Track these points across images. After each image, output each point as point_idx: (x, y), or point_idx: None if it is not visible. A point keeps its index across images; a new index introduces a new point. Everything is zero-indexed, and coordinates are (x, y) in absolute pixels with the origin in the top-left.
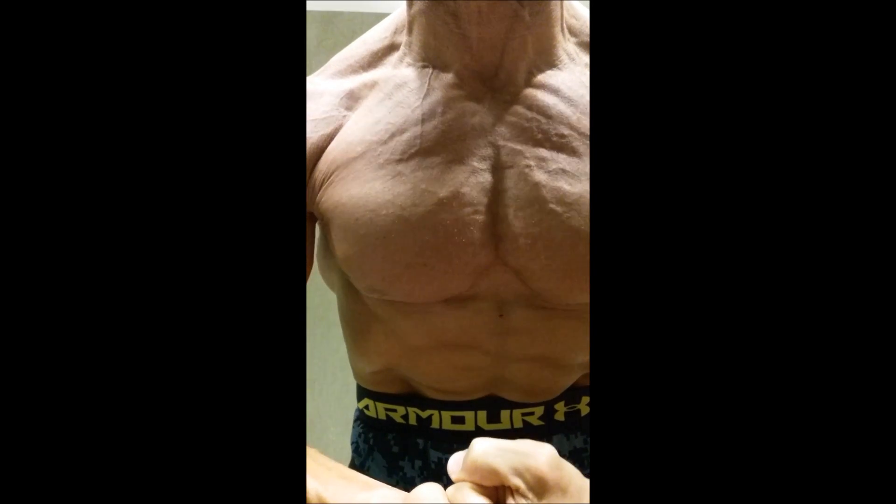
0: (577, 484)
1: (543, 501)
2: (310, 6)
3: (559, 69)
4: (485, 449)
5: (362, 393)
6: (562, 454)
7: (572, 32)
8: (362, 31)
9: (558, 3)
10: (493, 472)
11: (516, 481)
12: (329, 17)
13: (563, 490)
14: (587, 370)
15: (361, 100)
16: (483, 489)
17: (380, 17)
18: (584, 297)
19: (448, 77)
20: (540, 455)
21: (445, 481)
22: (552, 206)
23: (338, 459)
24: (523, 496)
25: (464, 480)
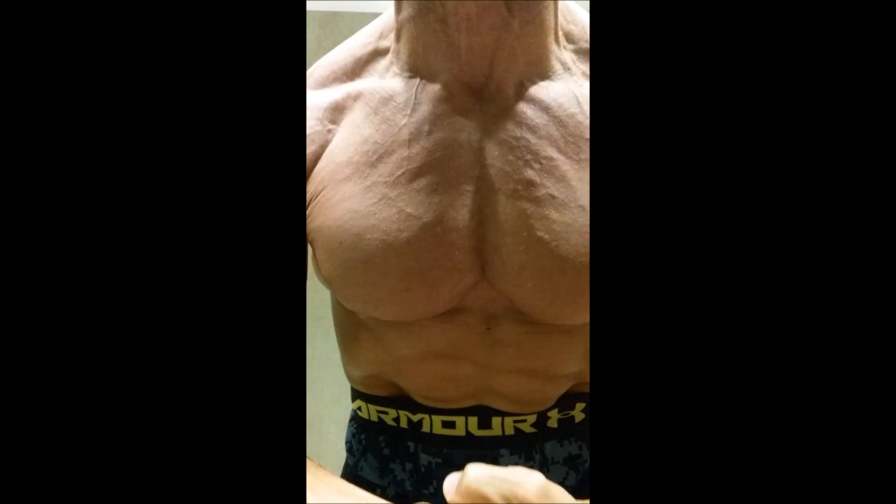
0: None
1: None
2: (310, 6)
3: (552, 80)
4: (477, 476)
5: (355, 394)
6: (555, 461)
7: (570, 39)
8: None
9: (551, 11)
10: (484, 499)
11: None
12: (329, 17)
13: None
14: (578, 380)
15: (347, 111)
16: None
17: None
18: (572, 320)
19: (436, 89)
20: (529, 484)
21: (436, 485)
22: (540, 234)
23: (337, 460)
24: None
25: None
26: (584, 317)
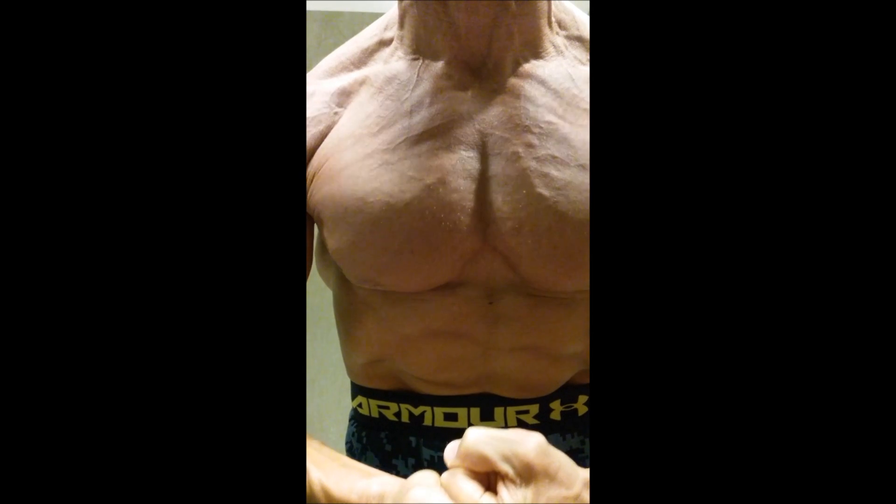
0: (567, 471)
1: (531, 486)
2: (310, 6)
3: (545, 60)
4: (477, 437)
5: (356, 391)
6: None
7: (561, 26)
8: None
9: None
10: (484, 459)
11: (505, 467)
12: (329, 17)
13: (550, 476)
14: (582, 366)
15: (353, 96)
16: (475, 475)
17: (380, 17)
18: (571, 285)
19: (437, 67)
20: (528, 442)
21: None
22: (539, 190)
23: None
24: (512, 481)
25: (457, 467)
26: (584, 282)
